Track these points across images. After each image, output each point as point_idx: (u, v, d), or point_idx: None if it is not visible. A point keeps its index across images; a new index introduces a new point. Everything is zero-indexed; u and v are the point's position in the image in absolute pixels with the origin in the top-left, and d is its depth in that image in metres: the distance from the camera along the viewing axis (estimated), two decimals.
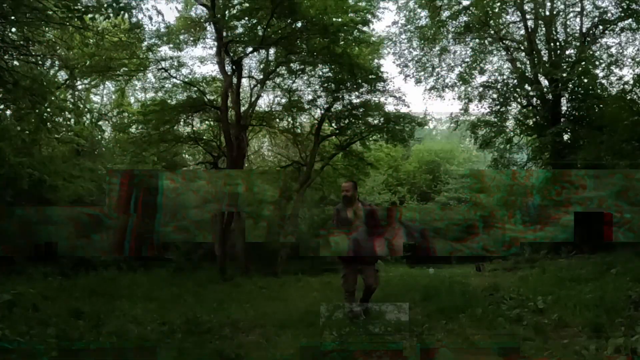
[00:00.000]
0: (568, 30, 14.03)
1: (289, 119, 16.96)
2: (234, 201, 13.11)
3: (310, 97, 16.15)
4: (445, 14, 14.60)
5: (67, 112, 13.05)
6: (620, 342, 3.86)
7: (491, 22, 14.04)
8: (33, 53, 9.99)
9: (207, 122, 16.83)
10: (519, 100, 14.73)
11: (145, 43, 13.60)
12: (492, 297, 6.94)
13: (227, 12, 12.39)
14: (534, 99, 14.05)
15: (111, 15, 7.09)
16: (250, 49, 13.54)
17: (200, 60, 15.39)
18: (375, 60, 16.00)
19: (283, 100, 16.59)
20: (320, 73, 15.30)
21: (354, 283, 5.80)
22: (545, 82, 13.55)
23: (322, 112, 16.05)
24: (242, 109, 13.66)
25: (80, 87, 16.80)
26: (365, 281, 5.75)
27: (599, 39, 13.46)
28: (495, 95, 14.81)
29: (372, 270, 5.78)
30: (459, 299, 6.54)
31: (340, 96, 15.51)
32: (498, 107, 14.74)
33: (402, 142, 16.80)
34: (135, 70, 14.80)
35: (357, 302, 5.78)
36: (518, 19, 14.37)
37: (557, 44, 13.86)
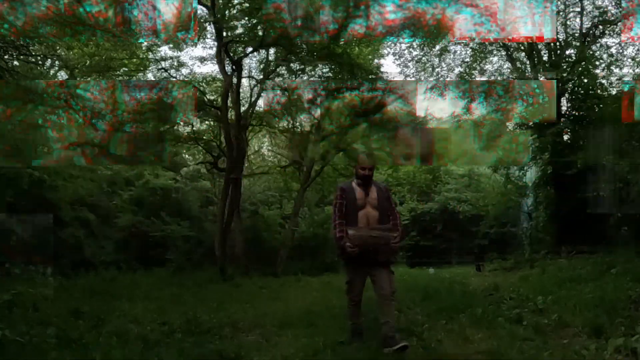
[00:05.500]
0: (568, 30, 14.02)
1: (289, 119, 16.93)
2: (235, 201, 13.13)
3: (310, 96, 16.13)
4: None
5: None
6: (620, 342, 3.86)
7: None
8: (33, 53, 10.00)
9: (207, 122, 16.80)
10: None
11: (145, 43, 13.59)
12: (492, 297, 6.96)
13: (227, 12, 12.38)
14: None
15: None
16: (250, 49, 13.53)
17: (200, 60, 15.37)
18: (375, 60, 16.01)
19: (283, 100, 16.56)
20: (320, 73, 15.29)
21: (361, 290, 4.46)
22: None
23: (322, 111, 16.03)
24: (242, 109, 13.65)
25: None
26: (379, 290, 4.28)
27: (599, 39, 13.46)
28: None
29: (387, 274, 4.30)
30: (459, 299, 6.54)
31: (341, 96, 15.48)
32: None
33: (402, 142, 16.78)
34: (135, 70, 14.79)
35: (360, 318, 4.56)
36: None
37: (557, 44, 13.86)
